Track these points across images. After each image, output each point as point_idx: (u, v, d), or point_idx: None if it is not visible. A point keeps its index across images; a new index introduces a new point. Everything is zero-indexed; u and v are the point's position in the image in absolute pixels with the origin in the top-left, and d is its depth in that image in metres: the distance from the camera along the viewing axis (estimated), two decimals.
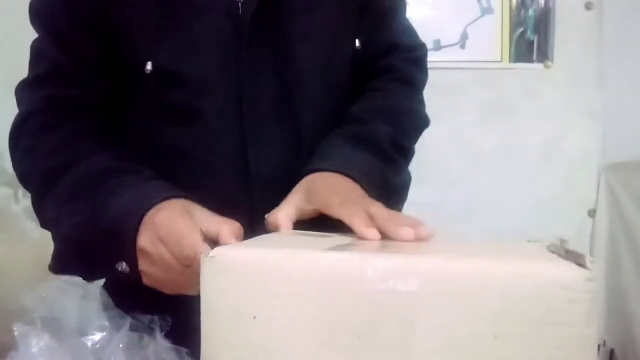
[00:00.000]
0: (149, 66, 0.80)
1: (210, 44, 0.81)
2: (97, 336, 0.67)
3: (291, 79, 0.84)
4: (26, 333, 0.64)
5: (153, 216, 0.69)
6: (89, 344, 0.67)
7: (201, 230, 0.67)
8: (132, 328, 0.68)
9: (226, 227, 0.66)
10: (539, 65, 2.03)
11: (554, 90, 2.02)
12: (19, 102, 0.85)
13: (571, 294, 0.45)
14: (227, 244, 0.64)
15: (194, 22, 0.80)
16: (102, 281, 0.83)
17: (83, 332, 0.67)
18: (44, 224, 0.80)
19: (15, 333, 0.64)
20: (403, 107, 0.92)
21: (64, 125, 0.82)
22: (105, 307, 0.70)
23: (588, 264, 0.46)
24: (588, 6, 1.99)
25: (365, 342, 0.48)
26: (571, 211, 2.01)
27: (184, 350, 0.67)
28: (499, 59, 2.04)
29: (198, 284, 0.53)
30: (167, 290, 0.71)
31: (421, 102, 0.96)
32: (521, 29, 2.03)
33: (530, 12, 2.03)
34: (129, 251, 0.69)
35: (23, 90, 0.85)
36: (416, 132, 0.93)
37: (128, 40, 0.81)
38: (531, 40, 2.03)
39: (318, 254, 0.51)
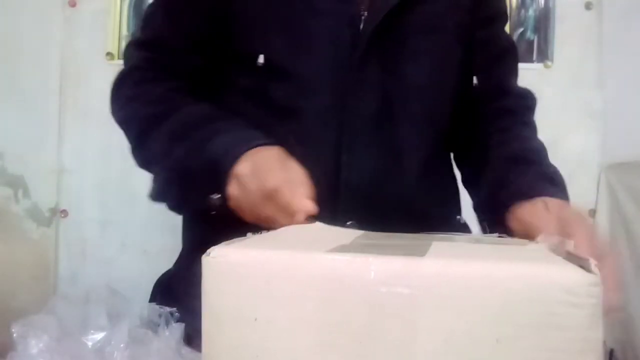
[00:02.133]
0: (261, 58, 0.85)
1: (324, 48, 0.85)
2: (99, 335, 0.67)
3: (395, 96, 0.87)
4: (25, 334, 0.64)
5: (254, 153, 0.76)
6: (90, 343, 0.66)
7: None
8: (136, 324, 0.68)
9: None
10: (539, 65, 2.03)
11: (554, 90, 2.01)
12: (126, 58, 0.94)
13: (574, 298, 0.45)
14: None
15: (311, 23, 0.84)
16: (102, 282, 0.83)
17: (84, 332, 0.67)
18: (145, 162, 0.88)
19: (14, 335, 0.63)
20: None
21: (163, 81, 0.90)
22: (107, 305, 0.70)
23: (593, 268, 0.45)
24: (588, 6, 1.99)
25: (367, 344, 0.47)
26: None
27: (187, 347, 0.67)
28: None
29: (277, 218, 0.68)
30: (247, 216, 0.76)
31: None
32: (521, 29, 2.03)
33: (530, 12, 2.02)
34: (226, 179, 0.75)
35: (130, 48, 0.95)
36: None
37: (243, 28, 0.85)
38: (531, 40, 2.03)
39: (320, 255, 0.50)
